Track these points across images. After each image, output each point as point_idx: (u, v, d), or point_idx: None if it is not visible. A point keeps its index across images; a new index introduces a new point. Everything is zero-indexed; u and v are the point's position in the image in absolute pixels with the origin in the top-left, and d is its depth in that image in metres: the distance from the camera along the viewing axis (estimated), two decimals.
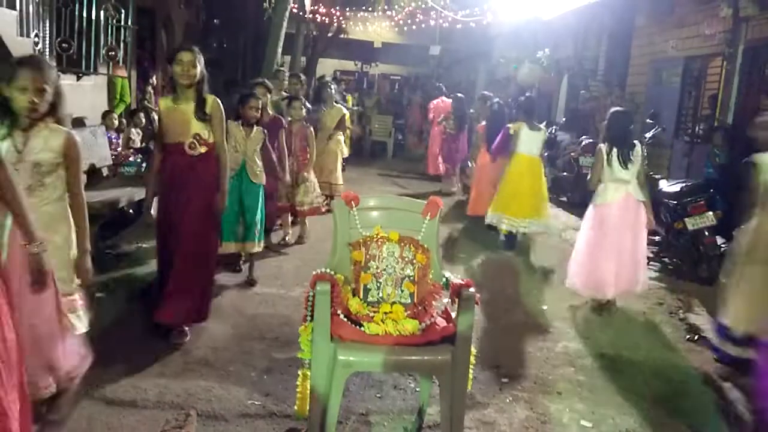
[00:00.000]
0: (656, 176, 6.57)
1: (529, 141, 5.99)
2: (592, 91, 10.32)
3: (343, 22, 15.27)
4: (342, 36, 16.69)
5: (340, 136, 7.25)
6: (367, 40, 19.68)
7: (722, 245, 5.53)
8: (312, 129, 6.04)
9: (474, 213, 6.96)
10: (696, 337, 4.30)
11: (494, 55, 15.98)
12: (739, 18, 7.14)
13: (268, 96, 5.31)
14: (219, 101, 3.65)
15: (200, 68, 3.52)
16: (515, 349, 3.97)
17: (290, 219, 6.02)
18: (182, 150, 3.57)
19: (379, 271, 2.85)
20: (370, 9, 16.40)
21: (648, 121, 8.39)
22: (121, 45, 7.50)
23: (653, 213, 4.69)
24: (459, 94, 9.84)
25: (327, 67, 20.36)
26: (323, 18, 14.29)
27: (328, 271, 2.66)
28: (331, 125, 7.02)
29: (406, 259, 2.87)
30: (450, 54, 19.02)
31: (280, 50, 8.38)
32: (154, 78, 11.15)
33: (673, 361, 4.00)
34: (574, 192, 8.54)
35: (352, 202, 2.96)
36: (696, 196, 5.55)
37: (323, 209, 6.02)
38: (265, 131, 4.84)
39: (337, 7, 14.51)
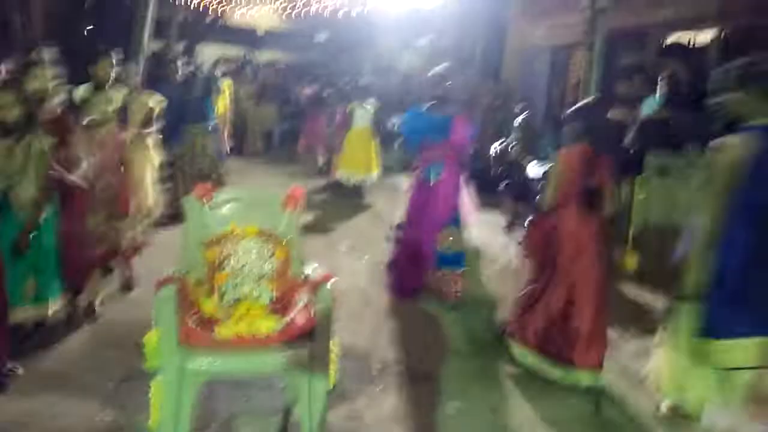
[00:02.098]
0: (526, 160, 6.87)
1: (360, 117, 8.03)
2: (467, 79, 10.60)
3: (221, 7, 14.67)
4: (222, 22, 16.06)
5: (149, 139, 4.99)
6: (250, 26, 19.09)
7: None
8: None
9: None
10: None
11: (378, 44, 16.04)
12: (596, 9, 7.57)
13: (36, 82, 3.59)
14: None
15: None
16: (389, 336, 3.98)
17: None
18: None
19: (235, 269, 2.74)
20: None
21: (518, 110, 8.72)
22: None
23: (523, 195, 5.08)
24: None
25: (209, 53, 19.58)
26: (198, 3, 13.65)
27: (176, 273, 2.52)
28: (138, 119, 4.83)
29: (265, 256, 2.78)
30: (336, 42, 18.86)
31: (146, 36, 7.88)
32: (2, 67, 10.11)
33: None
34: None
35: (205, 198, 2.82)
36: None
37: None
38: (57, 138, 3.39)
39: None
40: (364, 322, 4.15)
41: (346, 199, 8.08)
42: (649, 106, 5.39)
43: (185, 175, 6.09)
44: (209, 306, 2.60)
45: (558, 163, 3.49)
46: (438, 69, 4.56)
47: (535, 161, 6.76)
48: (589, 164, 3.37)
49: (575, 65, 8.76)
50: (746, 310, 2.56)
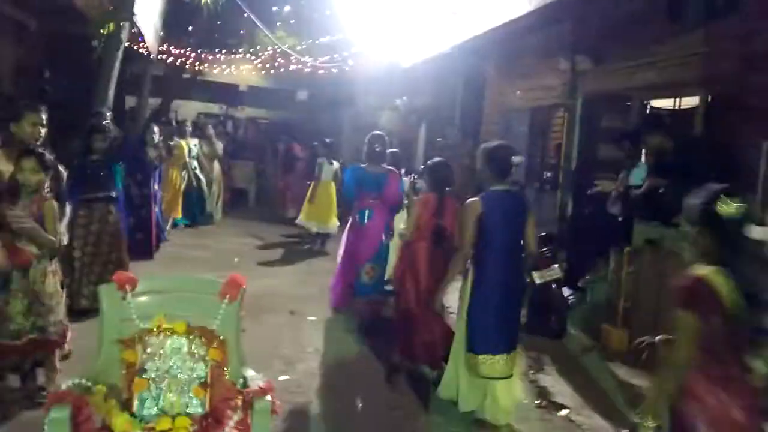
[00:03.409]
0: None
1: (327, 171, 8.80)
2: (448, 139, 10.40)
3: (200, 63, 14.48)
4: (201, 78, 15.90)
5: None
6: (232, 82, 19.00)
7: (569, 297, 5.48)
8: (55, 202, 3.39)
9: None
10: (544, 403, 4.09)
11: (358, 102, 15.98)
12: (576, 71, 7.42)
13: None
14: None
15: None
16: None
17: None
18: None
19: (159, 374, 2.28)
20: (233, 51, 15.76)
21: None
22: None
23: None
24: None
25: (190, 109, 19.41)
26: (175, 59, 13.46)
27: (78, 383, 2.05)
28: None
29: (197, 357, 2.34)
30: (316, 99, 18.82)
31: (112, 92, 7.53)
32: None
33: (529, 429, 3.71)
34: None
35: (127, 287, 2.38)
36: (543, 248, 5.46)
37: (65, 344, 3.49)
38: None
39: (190, 49, 13.70)
40: (330, 420, 3.64)
41: (311, 255, 8.42)
42: (637, 175, 5.12)
43: (82, 257, 5.00)
44: (121, 423, 2.13)
45: (416, 206, 4.40)
46: (376, 133, 5.44)
47: None
48: (438, 207, 4.26)
49: (556, 127, 8.57)
50: (495, 333, 3.50)
